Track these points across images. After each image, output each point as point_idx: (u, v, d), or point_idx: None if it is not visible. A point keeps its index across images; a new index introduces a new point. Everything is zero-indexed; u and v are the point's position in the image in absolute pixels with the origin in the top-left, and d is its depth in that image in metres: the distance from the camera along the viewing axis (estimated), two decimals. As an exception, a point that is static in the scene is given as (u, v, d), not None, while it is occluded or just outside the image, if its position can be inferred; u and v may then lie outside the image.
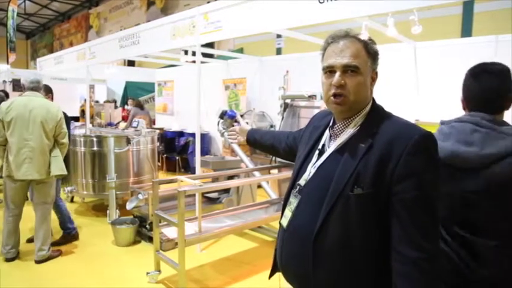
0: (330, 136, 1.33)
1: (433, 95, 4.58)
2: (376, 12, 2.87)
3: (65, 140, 3.74)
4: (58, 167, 3.64)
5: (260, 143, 2.01)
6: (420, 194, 1.12)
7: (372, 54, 1.25)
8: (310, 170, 1.32)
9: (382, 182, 1.14)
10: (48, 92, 4.24)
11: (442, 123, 1.59)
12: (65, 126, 3.74)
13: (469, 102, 1.55)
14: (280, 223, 1.40)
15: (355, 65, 1.20)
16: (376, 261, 1.18)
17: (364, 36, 1.27)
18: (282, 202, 1.44)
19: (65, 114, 4.40)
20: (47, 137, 3.60)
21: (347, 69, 1.21)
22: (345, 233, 1.18)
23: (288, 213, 1.34)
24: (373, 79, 1.28)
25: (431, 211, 1.13)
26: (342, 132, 1.28)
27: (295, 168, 1.42)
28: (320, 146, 1.35)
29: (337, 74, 1.21)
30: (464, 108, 1.59)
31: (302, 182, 1.33)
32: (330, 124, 1.35)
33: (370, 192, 1.14)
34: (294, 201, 1.33)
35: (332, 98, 1.24)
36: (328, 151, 1.30)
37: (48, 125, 3.58)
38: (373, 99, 1.30)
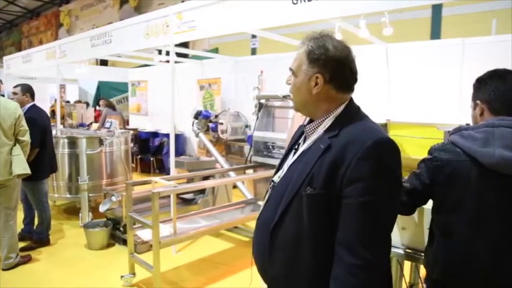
0: (305, 136, 1.36)
1: (404, 95, 4.70)
2: (348, 14, 2.93)
3: (26, 138, 3.52)
4: (20, 166, 3.43)
5: None
6: (366, 200, 1.10)
7: (313, 58, 1.22)
8: (284, 168, 1.36)
9: (333, 185, 1.14)
10: (25, 91, 4.06)
11: (465, 129, 1.50)
12: (24, 123, 3.53)
13: (494, 104, 1.47)
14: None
15: (291, 68, 1.30)
16: (323, 261, 1.18)
17: (337, 36, 1.29)
18: (258, 202, 1.47)
19: (45, 114, 4.27)
20: (5, 135, 3.39)
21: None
22: (296, 230, 1.21)
23: (261, 207, 1.41)
24: (316, 83, 1.23)
25: (376, 219, 1.12)
26: (313, 133, 1.31)
27: (277, 165, 1.48)
28: (296, 145, 1.39)
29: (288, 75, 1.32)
30: (481, 112, 1.51)
31: (276, 179, 1.37)
32: (305, 123, 1.38)
33: (321, 193, 1.15)
34: (266, 197, 1.39)
35: None
36: (299, 151, 1.33)
37: (5, 123, 3.38)
38: (350, 102, 1.28)
